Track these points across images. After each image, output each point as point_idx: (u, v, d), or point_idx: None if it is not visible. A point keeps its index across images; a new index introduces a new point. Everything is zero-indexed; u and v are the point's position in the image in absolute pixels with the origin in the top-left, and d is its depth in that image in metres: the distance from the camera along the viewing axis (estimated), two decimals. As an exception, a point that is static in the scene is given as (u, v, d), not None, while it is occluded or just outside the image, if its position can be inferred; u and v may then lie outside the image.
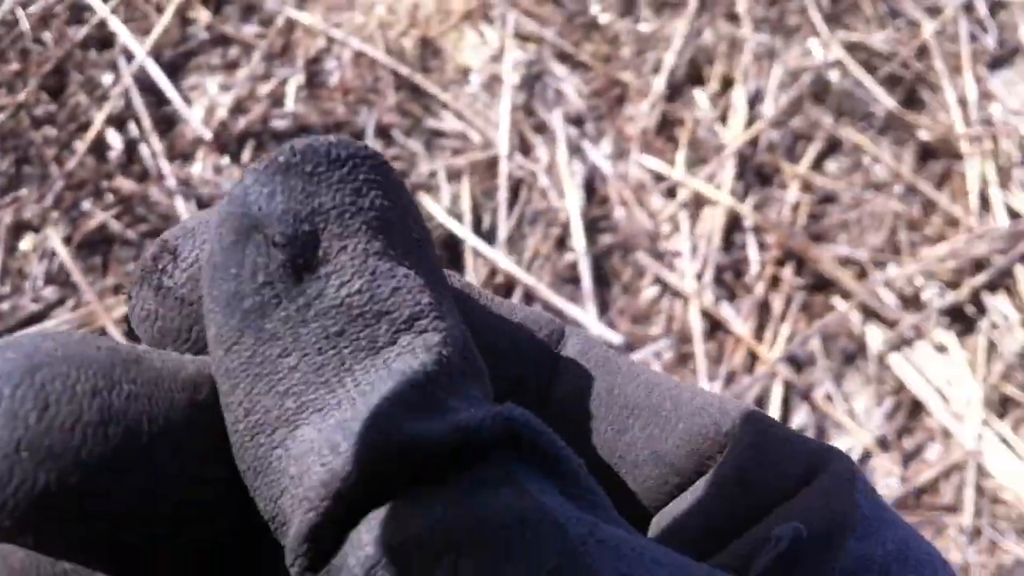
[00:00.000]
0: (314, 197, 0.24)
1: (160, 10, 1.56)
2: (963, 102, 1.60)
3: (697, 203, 1.48)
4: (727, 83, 1.59)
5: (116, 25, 1.53)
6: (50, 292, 1.34)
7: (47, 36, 1.52)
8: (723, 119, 1.55)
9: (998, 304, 1.46)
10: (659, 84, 1.55)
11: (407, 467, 0.22)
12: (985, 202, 1.53)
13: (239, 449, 0.24)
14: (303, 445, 0.23)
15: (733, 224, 1.47)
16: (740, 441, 0.30)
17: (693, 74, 1.59)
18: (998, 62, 1.66)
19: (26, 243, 1.37)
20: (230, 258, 0.23)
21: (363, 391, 0.23)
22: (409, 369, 0.23)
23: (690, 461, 0.31)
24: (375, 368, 0.23)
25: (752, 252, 1.45)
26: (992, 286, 1.47)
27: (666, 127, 1.54)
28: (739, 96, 1.56)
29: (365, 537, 0.21)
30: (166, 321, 0.26)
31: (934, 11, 1.67)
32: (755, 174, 1.52)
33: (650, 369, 0.33)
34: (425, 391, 0.23)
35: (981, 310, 1.46)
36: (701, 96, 1.57)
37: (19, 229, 1.37)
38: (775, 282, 1.44)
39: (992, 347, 1.43)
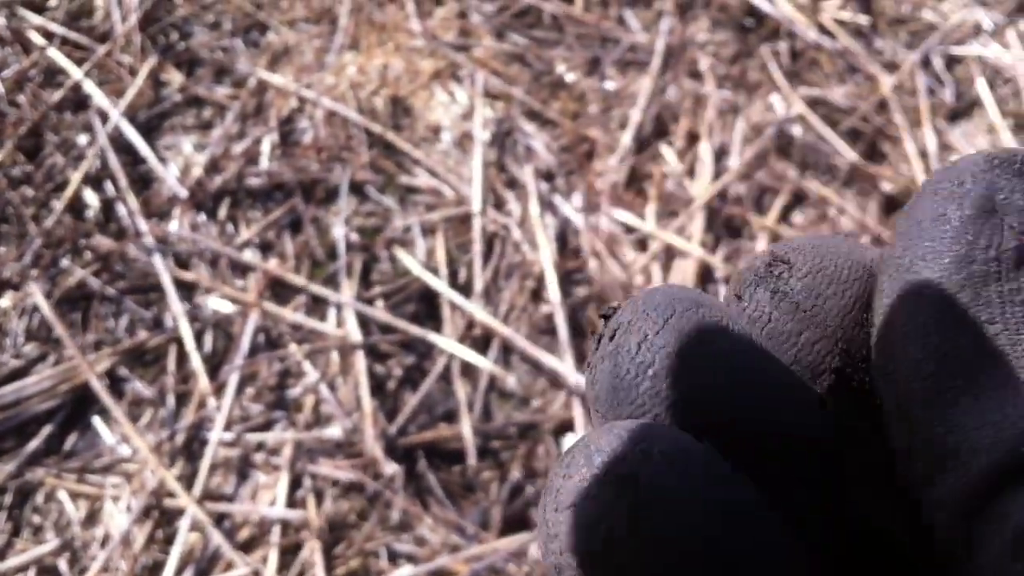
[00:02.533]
0: None
1: (133, 73, 1.70)
2: (924, 154, 1.76)
3: (669, 255, 1.62)
4: (693, 138, 1.74)
5: (90, 87, 1.67)
6: (31, 348, 1.45)
7: (22, 99, 1.65)
8: (690, 173, 1.71)
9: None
10: (626, 139, 1.71)
11: None
12: (948, 251, 1.68)
13: (915, 379, 0.28)
14: (987, 407, 0.27)
15: (705, 275, 1.61)
16: None
17: (659, 130, 1.75)
18: (957, 115, 1.83)
19: (5, 300, 1.48)
20: (969, 226, 0.28)
21: None
22: None
23: None
24: None
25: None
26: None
27: (635, 181, 1.69)
28: (705, 151, 1.72)
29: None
30: (778, 324, 0.31)
31: (891, 67, 1.85)
32: (724, 226, 1.66)
33: None
34: None
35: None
36: (668, 151, 1.72)
37: (-1, 287, 1.49)
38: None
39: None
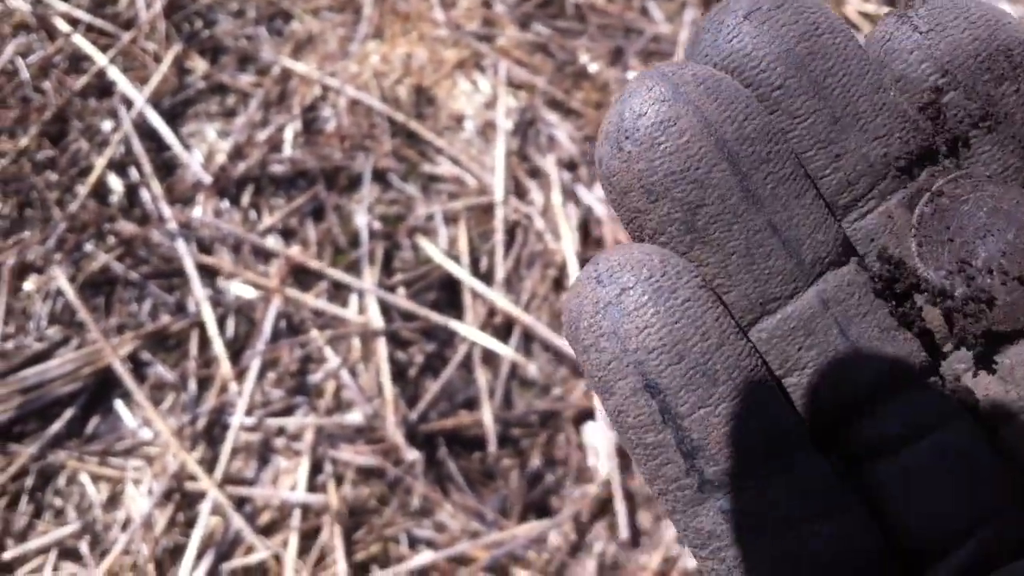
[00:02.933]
0: None
1: (158, 60, 1.71)
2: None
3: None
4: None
5: (115, 74, 1.68)
6: (54, 332, 1.46)
7: (47, 85, 1.66)
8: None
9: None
10: (650, 130, 1.71)
11: None
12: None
13: None
14: None
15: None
16: None
17: (683, 120, 1.75)
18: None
19: (30, 284, 1.49)
20: None
21: None
22: None
23: None
24: None
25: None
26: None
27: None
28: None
29: None
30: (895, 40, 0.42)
31: None
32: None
33: None
34: None
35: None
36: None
37: (23, 270, 1.50)
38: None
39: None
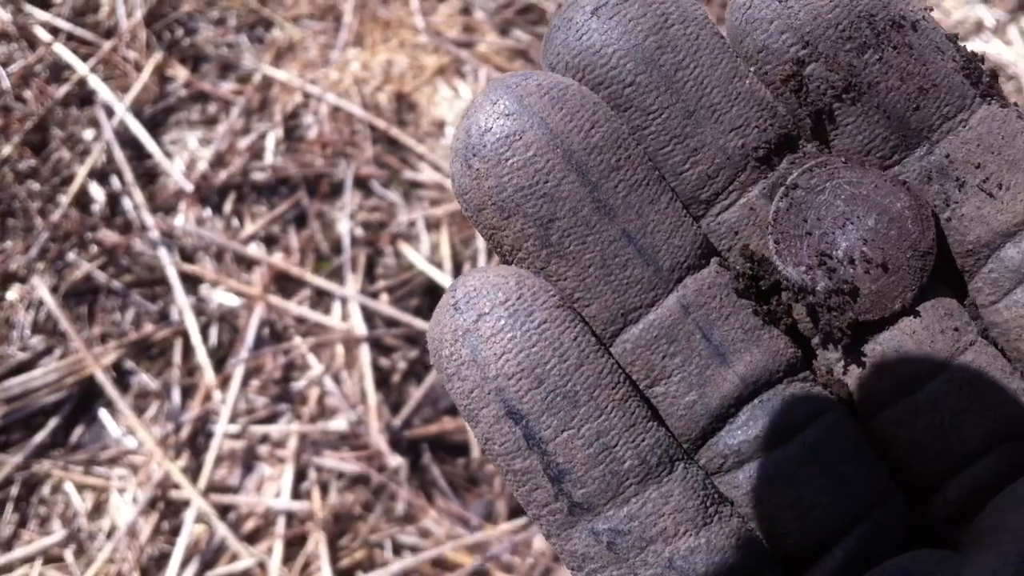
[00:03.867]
0: None
1: (139, 68, 1.72)
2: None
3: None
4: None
5: (96, 83, 1.68)
6: (37, 341, 1.47)
7: (28, 94, 1.67)
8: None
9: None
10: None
11: None
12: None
13: None
14: None
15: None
16: None
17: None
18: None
19: (12, 293, 1.50)
20: None
21: None
22: None
23: None
24: None
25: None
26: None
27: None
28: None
29: None
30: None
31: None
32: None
33: None
34: None
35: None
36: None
37: (6, 280, 1.50)
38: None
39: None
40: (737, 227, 0.42)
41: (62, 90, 1.67)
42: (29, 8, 1.76)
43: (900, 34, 0.41)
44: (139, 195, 1.58)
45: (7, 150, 1.60)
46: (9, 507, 1.38)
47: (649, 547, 0.38)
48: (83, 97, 1.69)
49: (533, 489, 0.39)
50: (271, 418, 1.44)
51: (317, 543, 1.34)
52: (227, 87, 1.73)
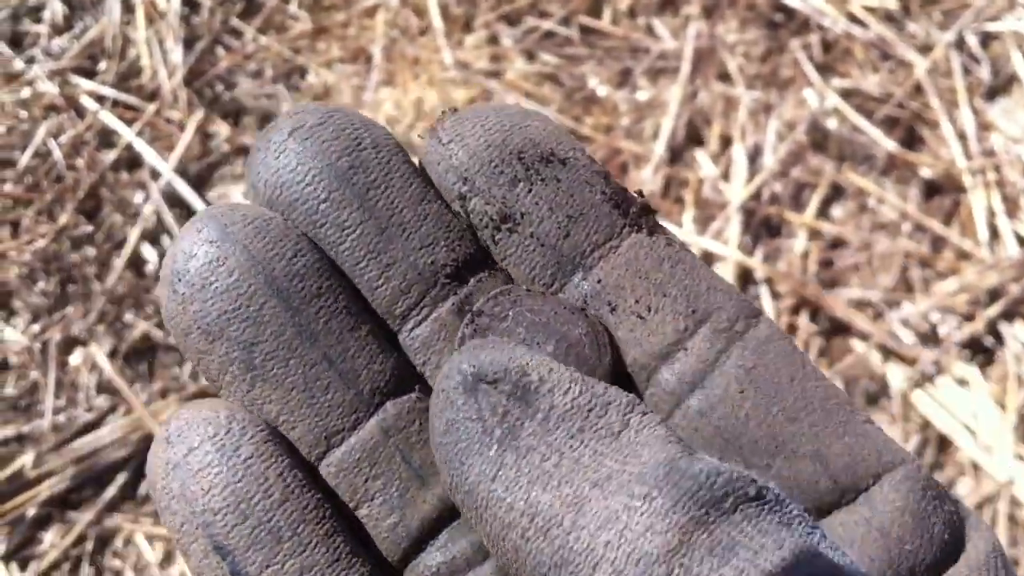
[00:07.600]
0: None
1: (182, 128, 1.80)
2: (962, 136, 1.76)
3: (707, 260, 1.65)
4: (726, 141, 1.78)
5: (142, 146, 1.77)
6: (102, 401, 1.56)
7: (79, 162, 1.76)
8: (725, 176, 1.74)
9: (1016, 332, 1.60)
10: (660, 148, 1.75)
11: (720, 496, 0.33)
12: (994, 232, 1.68)
13: (533, 556, 0.33)
14: (600, 515, 0.32)
15: (745, 277, 1.65)
16: (897, 496, 0.41)
17: (692, 136, 1.79)
18: (995, 92, 1.83)
19: (76, 357, 1.59)
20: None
21: (625, 460, 0.33)
22: (655, 436, 0.35)
23: (846, 475, 0.41)
24: (622, 447, 0.34)
25: (766, 303, 1.62)
26: (1008, 315, 1.60)
27: (671, 189, 1.73)
28: (739, 152, 1.75)
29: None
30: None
31: (925, 49, 1.85)
32: (762, 226, 1.69)
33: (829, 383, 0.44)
34: (680, 445, 0.35)
35: (1000, 340, 1.60)
36: (702, 156, 1.76)
37: (68, 345, 1.60)
38: (791, 330, 1.60)
39: (1016, 376, 1.55)
40: (429, 342, 0.44)
41: (111, 156, 1.76)
42: (75, 79, 1.86)
43: (550, 168, 0.44)
44: (188, 252, 1.66)
45: (63, 219, 1.69)
46: (84, 562, 1.46)
47: None
48: (131, 161, 1.78)
49: None
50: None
51: None
52: (267, 137, 1.80)
